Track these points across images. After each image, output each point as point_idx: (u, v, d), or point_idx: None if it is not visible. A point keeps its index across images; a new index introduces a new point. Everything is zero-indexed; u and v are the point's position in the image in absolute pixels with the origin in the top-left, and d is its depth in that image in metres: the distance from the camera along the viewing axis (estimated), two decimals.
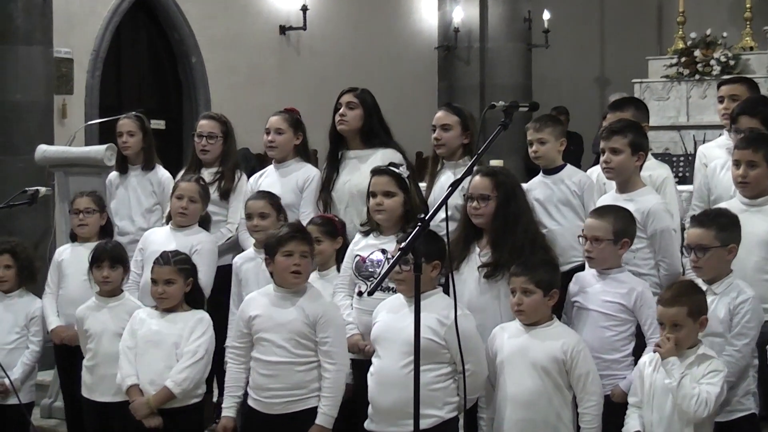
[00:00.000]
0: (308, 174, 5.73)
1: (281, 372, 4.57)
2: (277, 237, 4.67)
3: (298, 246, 4.62)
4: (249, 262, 5.39)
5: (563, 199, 5.19)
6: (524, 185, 5.24)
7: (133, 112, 6.49)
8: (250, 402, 4.67)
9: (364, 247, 4.94)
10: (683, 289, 4.24)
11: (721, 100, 5.83)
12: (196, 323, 5.03)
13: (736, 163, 4.74)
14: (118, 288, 5.36)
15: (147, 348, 5.01)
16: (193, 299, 5.12)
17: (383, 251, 4.83)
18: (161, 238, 5.64)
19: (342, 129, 5.58)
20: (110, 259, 5.31)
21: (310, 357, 4.58)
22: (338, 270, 5.11)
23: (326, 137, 5.72)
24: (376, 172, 4.96)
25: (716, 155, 5.46)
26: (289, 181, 5.73)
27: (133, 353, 5.03)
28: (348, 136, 5.60)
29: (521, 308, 4.35)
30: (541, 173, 5.36)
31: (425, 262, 4.26)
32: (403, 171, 4.93)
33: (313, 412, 4.55)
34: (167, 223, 5.78)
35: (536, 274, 4.34)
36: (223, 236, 5.89)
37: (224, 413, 4.76)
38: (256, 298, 4.75)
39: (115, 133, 6.33)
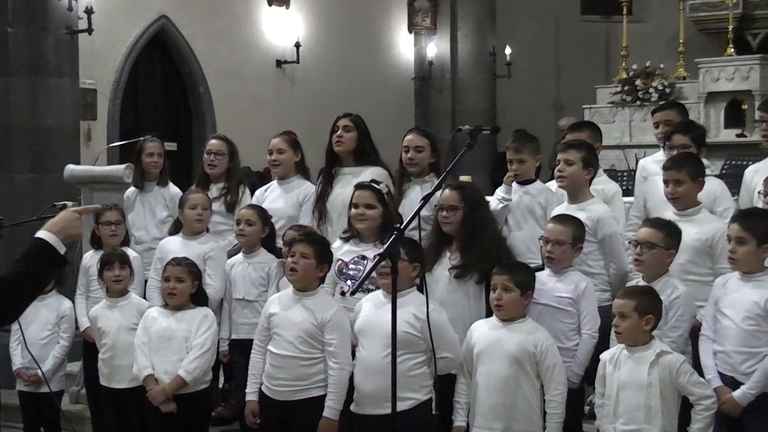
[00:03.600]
0: (307, 190, 5.75)
1: (287, 364, 4.54)
2: (289, 240, 4.72)
3: (298, 247, 4.61)
4: (238, 265, 5.41)
5: (529, 208, 5.20)
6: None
7: (150, 135, 6.52)
8: (262, 388, 4.65)
9: (345, 252, 4.92)
10: (638, 288, 4.26)
11: (656, 125, 5.89)
12: (202, 319, 5.07)
13: (666, 183, 4.82)
14: (125, 288, 5.41)
15: (160, 343, 5.04)
16: (197, 299, 5.16)
17: (364, 257, 4.83)
18: (177, 247, 5.61)
19: (339, 150, 5.56)
20: (120, 261, 5.37)
21: (315, 354, 4.53)
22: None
23: (317, 157, 5.75)
24: (360, 186, 4.95)
25: (654, 169, 5.52)
26: (291, 197, 5.76)
27: (147, 347, 5.05)
28: (343, 155, 5.58)
29: (500, 303, 4.31)
30: (514, 182, 5.38)
31: (409, 262, 4.32)
32: (383, 187, 4.93)
33: (314, 401, 4.51)
34: (172, 233, 5.75)
35: (516, 275, 4.32)
36: (230, 243, 5.92)
37: (248, 397, 4.71)
38: (277, 299, 4.75)
39: (143, 154, 6.27)
